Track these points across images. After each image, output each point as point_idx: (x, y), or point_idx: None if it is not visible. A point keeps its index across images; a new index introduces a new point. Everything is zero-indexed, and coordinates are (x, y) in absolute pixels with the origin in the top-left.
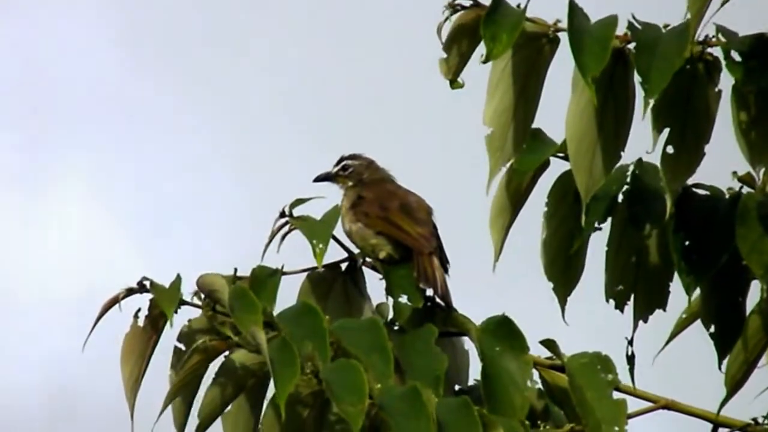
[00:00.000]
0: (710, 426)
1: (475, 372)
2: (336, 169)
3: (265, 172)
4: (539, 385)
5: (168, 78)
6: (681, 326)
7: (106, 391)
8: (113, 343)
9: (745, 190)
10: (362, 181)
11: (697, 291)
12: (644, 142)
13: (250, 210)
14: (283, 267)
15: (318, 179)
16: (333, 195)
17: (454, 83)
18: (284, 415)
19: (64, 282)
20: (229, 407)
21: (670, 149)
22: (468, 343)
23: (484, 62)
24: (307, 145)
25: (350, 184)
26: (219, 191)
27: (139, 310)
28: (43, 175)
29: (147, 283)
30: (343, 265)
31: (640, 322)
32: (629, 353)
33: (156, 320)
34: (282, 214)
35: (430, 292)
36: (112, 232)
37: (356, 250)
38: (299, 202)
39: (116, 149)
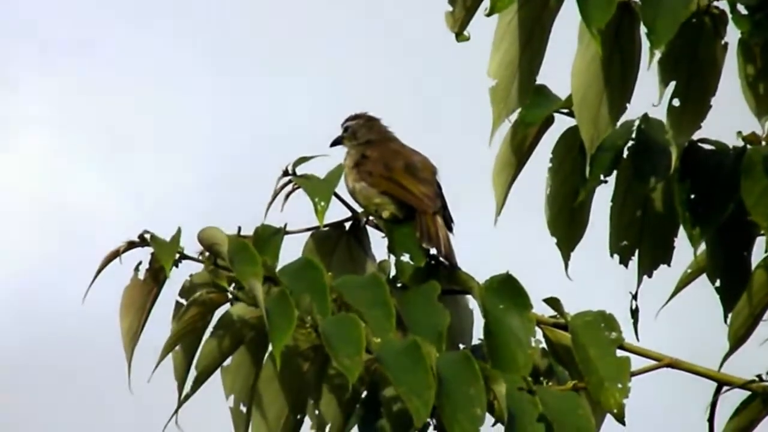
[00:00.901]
0: (713, 383)
1: (479, 332)
2: (342, 131)
3: (237, 96)
4: (543, 345)
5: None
6: (685, 281)
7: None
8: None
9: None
10: (360, 140)
11: (702, 246)
12: (650, 98)
13: (221, 134)
14: (286, 226)
15: (333, 144)
16: (337, 155)
17: (459, 36)
18: (279, 364)
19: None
20: (228, 362)
21: (676, 102)
22: (472, 302)
23: (488, 15)
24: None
25: (353, 143)
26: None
27: (140, 263)
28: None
29: (147, 237)
30: (347, 225)
31: (645, 277)
32: (633, 307)
33: (157, 273)
34: (285, 173)
35: (433, 251)
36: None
37: (360, 210)
38: (302, 160)
39: (81, 71)
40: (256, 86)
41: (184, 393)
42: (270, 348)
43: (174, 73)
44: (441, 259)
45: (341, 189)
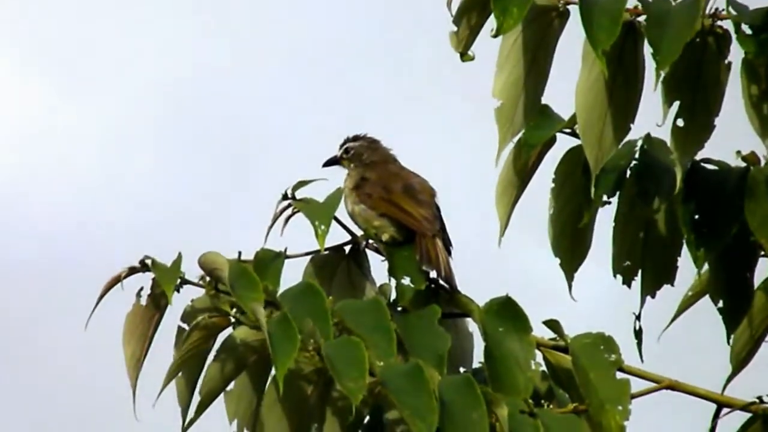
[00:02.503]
0: (715, 405)
1: (479, 355)
2: (340, 152)
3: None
4: (543, 367)
5: None
6: (687, 304)
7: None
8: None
9: None
10: (365, 161)
11: (705, 266)
12: (653, 118)
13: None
14: (286, 250)
15: (326, 164)
16: (336, 177)
17: (464, 56)
18: (282, 389)
19: None
20: (231, 386)
21: (680, 122)
22: (472, 326)
23: (495, 36)
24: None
25: (353, 165)
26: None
27: (141, 289)
28: None
29: (149, 262)
30: (347, 248)
31: (648, 298)
32: (637, 328)
33: (158, 299)
34: (284, 197)
35: (433, 274)
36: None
37: (359, 232)
38: (301, 184)
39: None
40: None
41: (188, 418)
42: (273, 372)
43: None
44: (441, 282)
45: (340, 212)
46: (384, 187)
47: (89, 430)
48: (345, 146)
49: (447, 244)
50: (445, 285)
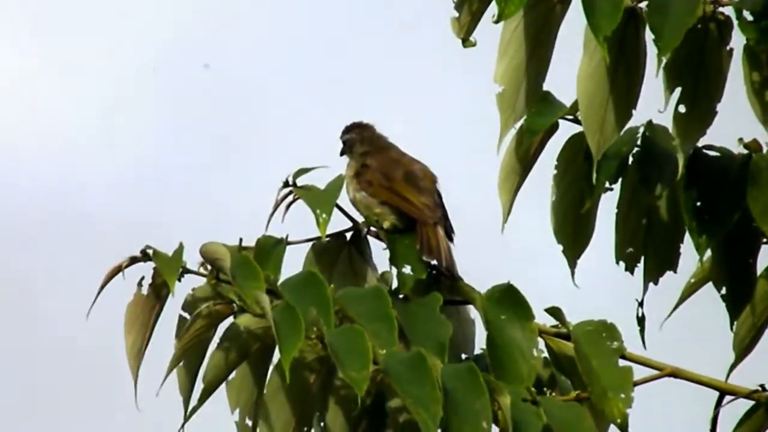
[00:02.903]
0: (717, 392)
1: (480, 341)
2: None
3: None
4: (545, 354)
5: None
6: (689, 291)
7: None
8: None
9: None
10: (360, 151)
11: (708, 253)
12: (655, 104)
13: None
14: (287, 237)
15: (341, 154)
16: (338, 164)
17: (466, 42)
18: (288, 378)
19: None
20: (233, 374)
21: (682, 109)
22: (473, 313)
23: (496, 22)
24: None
25: (354, 152)
26: None
27: (142, 278)
28: None
29: (150, 252)
30: (348, 235)
31: (651, 285)
32: (639, 315)
33: (159, 289)
34: (285, 184)
35: (434, 262)
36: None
37: (361, 219)
38: (303, 171)
39: None
40: None
41: (190, 407)
42: (275, 360)
43: None
44: (442, 270)
45: (342, 199)
46: (384, 174)
47: (91, 422)
48: (343, 138)
49: (449, 231)
50: (446, 273)
